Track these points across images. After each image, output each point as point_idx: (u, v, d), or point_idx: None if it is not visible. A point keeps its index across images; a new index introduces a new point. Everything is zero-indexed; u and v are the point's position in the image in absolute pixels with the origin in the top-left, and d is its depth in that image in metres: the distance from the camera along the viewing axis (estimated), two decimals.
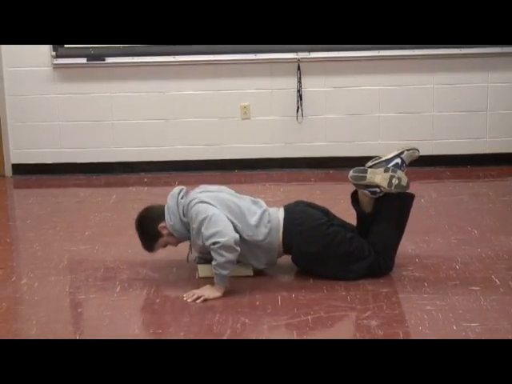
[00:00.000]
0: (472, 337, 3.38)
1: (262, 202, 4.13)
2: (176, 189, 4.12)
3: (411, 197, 4.10)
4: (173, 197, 4.07)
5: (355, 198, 4.17)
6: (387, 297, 3.81)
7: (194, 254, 4.21)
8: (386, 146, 6.20)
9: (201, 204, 3.94)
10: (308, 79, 6.24)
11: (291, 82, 6.24)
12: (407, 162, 4.12)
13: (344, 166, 6.21)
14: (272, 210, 4.08)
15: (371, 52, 6.17)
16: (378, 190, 4.01)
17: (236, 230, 3.90)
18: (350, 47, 6.10)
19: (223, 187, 4.19)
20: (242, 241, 3.92)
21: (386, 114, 6.32)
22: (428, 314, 3.62)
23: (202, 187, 4.16)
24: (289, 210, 4.08)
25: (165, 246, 4.13)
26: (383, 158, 4.10)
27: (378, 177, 3.99)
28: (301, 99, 6.24)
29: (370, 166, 4.08)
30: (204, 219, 3.87)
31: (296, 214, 4.05)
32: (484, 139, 6.35)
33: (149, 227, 4.07)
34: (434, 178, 5.96)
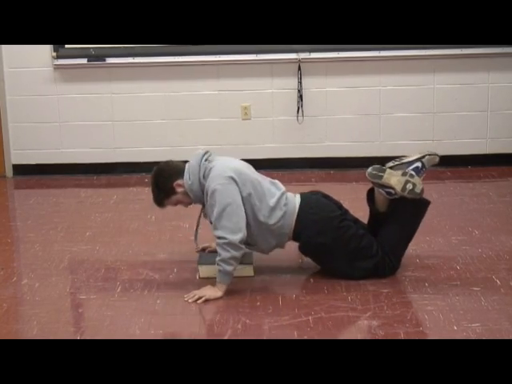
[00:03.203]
0: (473, 337, 3.38)
1: (280, 184, 4.10)
2: (202, 150, 4.06)
3: (426, 203, 4.10)
4: (197, 157, 4.01)
5: (371, 196, 4.16)
6: (388, 297, 3.81)
7: (196, 257, 4.22)
8: (387, 147, 6.24)
9: (223, 180, 3.86)
10: (309, 79, 6.24)
11: (292, 83, 6.24)
12: (427, 167, 4.13)
13: (345, 166, 6.26)
14: (289, 194, 4.06)
15: (372, 52, 6.17)
16: (392, 191, 4.01)
17: (253, 210, 3.89)
18: (351, 47, 6.10)
19: (246, 163, 4.12)
20: (256, 221, 3.90)
21: (387, 115, 6.32)
22: (429, 315, 3.62)
23: (229, 158, 4.10)
24: (305, 198, 4.06)
25: (176, 204, 4.07)
26: (405, 160, 4.09)
27: (393, 179, 3.99)
28: (301, 100, 6.23)
29: (391, 167, 4.07)
30: (219, 203, 3.82)
31: (311, 203, 4.03)
32: (485, 139, 6.35)
33: (165, 182, 4.00)
34: (435, 178, 5.96)
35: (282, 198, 3.99)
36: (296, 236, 4.02)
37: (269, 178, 4.12)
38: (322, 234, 3.95)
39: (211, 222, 3.95)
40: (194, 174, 3.95)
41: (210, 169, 3.94)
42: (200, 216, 4.12)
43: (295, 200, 4.03)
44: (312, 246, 4.01)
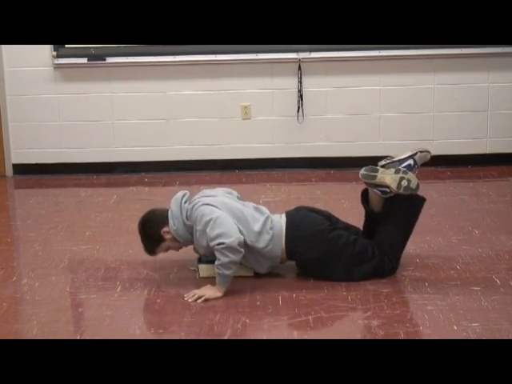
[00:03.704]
0: (473, 337, 3.38)
1: (265, 209, 4.12)
2: (179, 193, 4.11)
3: (422, 200, 4.10)
4: (176, 201, 4.06)
5: (365, 197, 4.16)
6: (388, 297, 3.81)
7: (195, 255, 4.22)
8: (387, 146, 6.23)
9: (206, 206, 3.94)
10: (309, 79, 6.24)
11: (292, 82, 6.24)
12: (419, 164, 4.13)
13: (345, 166, 6.25)
14: (274, 216, 4.07)
15: (372, 52, 6.17)
16: (387, 190, 4.01)
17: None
18: (351, 47, 6.10)
19: (227, 192, 4.18)
20: (245, 247, 3.91)
21: (387, 114, 6.32)
22: (429, 314, 3.62)
23: (207, 192, 4.16)
24: (290, 217, 4.07)
25: (166, 250, 4.13)
26: (396, 158, 4.10)
27: (387, 177, 3.99)
28: (301, 99, 6.23)
29: (383, 166, 4.07)
30: (209, 221, 3.87)
31: (297, 221, 4.04)
32: (485, 139, 6.35)
33: (152, 231, 4.05)
34: (435, 177, 5.96)
35: (267, 222, 4.01)
36: (290, 255, 4.04)
37: (252, 204, 4.14)
38: (314, 248, 3.96)
39: (205, 255, 4.02)
40: (178, 219, 3.99)
41: (192, 208, 3.98)
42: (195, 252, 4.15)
43: (281, 221, 4.04)
44: (307, 263, 4.02)
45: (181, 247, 4.13)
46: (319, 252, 3.96)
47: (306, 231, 3.99)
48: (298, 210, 4.16)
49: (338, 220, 4.14)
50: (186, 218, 3.99)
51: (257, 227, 3.97)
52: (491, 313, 3.62)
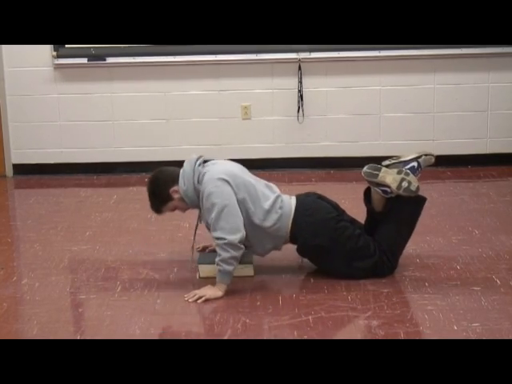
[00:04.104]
0: (473, 337, 3.38)
1: (276, 187, 4.11)
2: (195, 155, 4.07)
3: (423, 200, 4.10)
4: (190, 162, 4.01)
5: (367, 196, 4.17)
6: (388, 297, 3.81)
7: (196, 255, 4.22)
8: (387, 146, 6.24)
9: (217, 182, 3.88)
10: (309, 79, 6.24)
11: (292, 82, 6.24)
12: (423, 167, 4.13)
13: (345, 166, 6.26)
14: (285, 196, 4.06)
15: (372, 52, 6.17)
16: (388, 189, 4.01)
17: (248, 214, 3.90)
18: (351, 47, 6.10)
19: (240, 166, 4.13)
20: (251, 225, 3.91)
21: (387, 114, 6.32)
22: (429, 314, 3.62)
23: (222, 161, 4.11)
24: (300, 200, 4.06)
25: (173, 210, 4.08)
26: (401, 159, 4.11)
27: (389, 177, 4.00)
28: (302, 99, 6.23)
29: (387, 165, 4.08)
30: (216, 205, 3.83)
31: (307, 205, 4.03)
32: (485, 139, 6.35)
33: (160, 189, 4.01)
34: (435, 177, 5.96)
35: (277, 201, 4.00)
36: (293, 238, 4.02)
37: (264, 181, 4.12)
38: (319, 235, 3.95)
39: (207, 226, 3.97)
40: (189, 180, 3.95)
41: (204, 173, 3.95)
42: (198, 219, 4.12)
43: (291, 202, 4.03)
44: (309, 248, 4.01)
45: (187, 209, 4.08)
46: (323, 240, 3.95)
47: (314, 217, 3.99)
48: (308, 195, 4.15)
49: (344, 212, 4.14)
50: (198, 181, 3.95)
51: (267, 205, 3.95)
52: (491, 313, 3.62)
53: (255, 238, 3.97)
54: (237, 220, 3.85)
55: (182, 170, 4.01)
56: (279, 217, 3.96)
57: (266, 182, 4.13)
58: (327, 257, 3.98)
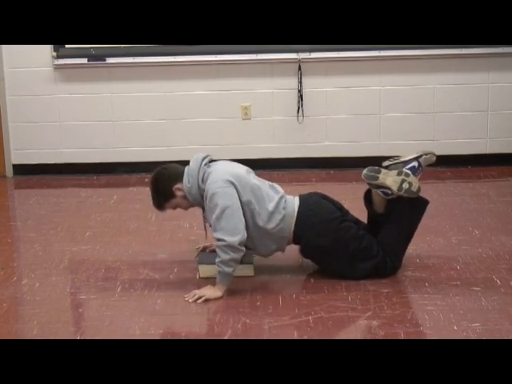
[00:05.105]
0: (473, 337, 3.38)
1: (279, 188, 4.11)
2: (201, 154, 4.07)
3: (425, 202, 4.09)
4: (196, 161, 4.01)
5: (368, 198, 4.16)
6: (388, 297, 3.81)
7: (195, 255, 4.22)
8: (387, 146, 6.24)
9: (222, 183, 3.88)
10: (309, 79, 6.24)
11: (292, 83, 6.24)
12: (424, 166, 4.13)
13: (345, 166, 6.26)
14: (288, 197, 4.06)
15: (372, 52, 6.17)
16: (389, 191, 4.01)
17: (253, 215, 3.90)
18: (351, 47, 6.10)
19: (246, 167, 4.12)
20: (256, 227, 3.91)
21: (387, 115, 6.32)
22: (429, 314, 3.62)
23: (228, 162, 4.12)
24: (304, 200, 4.05)
25: (175, 207, 4.08)
26: (401, 160, 4.10)
27: (389, 179, 3.99)
28: (301, 99, 6.24)
29: (387, 166, 4.07)
30: (218, 206, 3.83)
31: (311, 205, 4.02)
32: (485, 139, 6.35)
33: (164, 186, 4.01)
34: (435, 178, 5.96)
35: (281, 202, 3.99)
36: (296, 239, 4.02)
37: (268, 182, 4.12)
38: (322, 236, 3.95)
39: (211, 225, 3.96)
40: (193, 178, 3.95)
41: (209, 173, 3.95)
42: (204, 219, 4.11)
43: (294, 202, 4.03)
44: (312, 249, 4.01)
45: (190, 206, 4.08)
46: (327, 240, 3.95)
47: (318, 217, 3.98)
48: (312, 195, 4.14)
49: (348, 212, 4.13)
50: (202, 180, 3.95)
51: (271, 206, 3.95)
52: (491, 313, 3.62)
53: (259, 240, 3.97)
54: (238, 222, 3.85)
55: (187, 168, 4.01)
56: (282, 217, 3.96)
57: (270, 182, 4.13)
58: (330, 257, 3.98)
